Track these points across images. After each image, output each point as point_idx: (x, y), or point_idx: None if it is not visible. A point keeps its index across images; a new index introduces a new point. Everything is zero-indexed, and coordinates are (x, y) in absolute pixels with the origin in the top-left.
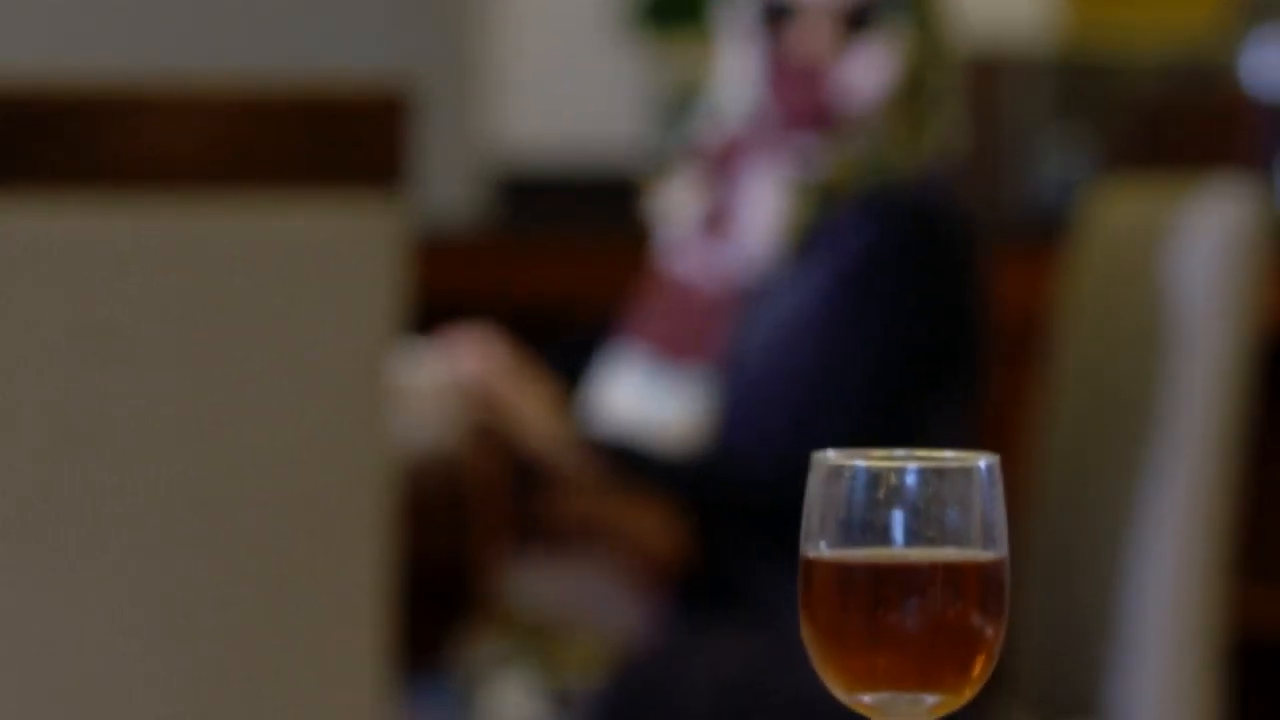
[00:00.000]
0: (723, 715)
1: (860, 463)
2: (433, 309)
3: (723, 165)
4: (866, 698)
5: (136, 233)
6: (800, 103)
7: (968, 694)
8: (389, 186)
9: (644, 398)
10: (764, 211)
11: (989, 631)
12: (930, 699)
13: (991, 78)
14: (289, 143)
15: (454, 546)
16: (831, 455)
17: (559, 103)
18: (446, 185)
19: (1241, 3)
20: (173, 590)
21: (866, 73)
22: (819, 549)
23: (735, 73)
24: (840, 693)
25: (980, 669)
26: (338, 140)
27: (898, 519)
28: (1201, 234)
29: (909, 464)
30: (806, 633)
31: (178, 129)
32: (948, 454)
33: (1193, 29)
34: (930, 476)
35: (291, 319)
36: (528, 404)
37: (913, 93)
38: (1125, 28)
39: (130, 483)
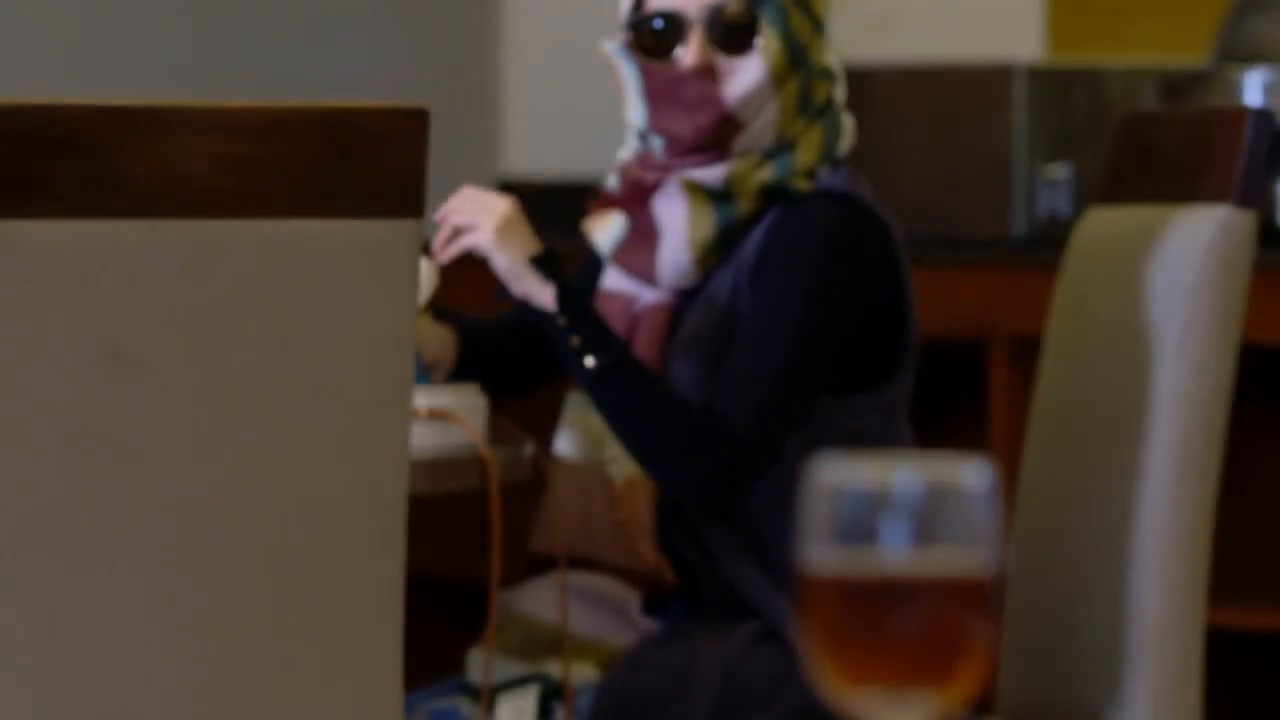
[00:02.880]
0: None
1: (858, 472)
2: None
3: (637, 184)
4: (861, 707)
5: (157, 250)
6: (685, 131)
7: (963, 705)
8: (407, 203)
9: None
10: (678, 221)
11: (985, 642)
12: (924, 711)
13: (987, 92)
14: (307, 161)
15: (470, 557)
16: (830, 464)
17: (566, 122)
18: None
19: (1235, 15)
20: (188, 601)
21: (743, 89)
22: (814, 560)
23: (630, 98)
24: (835, 702)
25: (975, 680)
26: (356, 158)
27: (894, 529)
28: (1189, 245)
29: (907, 473)
30: (803, 643)
31: (197, 148)
32: (945, 462)
33: (1186, 42)
34: (927, 485)
35: (309, 334)
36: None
37: (799, 102)
38: (1118, 41)
39: (146, 496)
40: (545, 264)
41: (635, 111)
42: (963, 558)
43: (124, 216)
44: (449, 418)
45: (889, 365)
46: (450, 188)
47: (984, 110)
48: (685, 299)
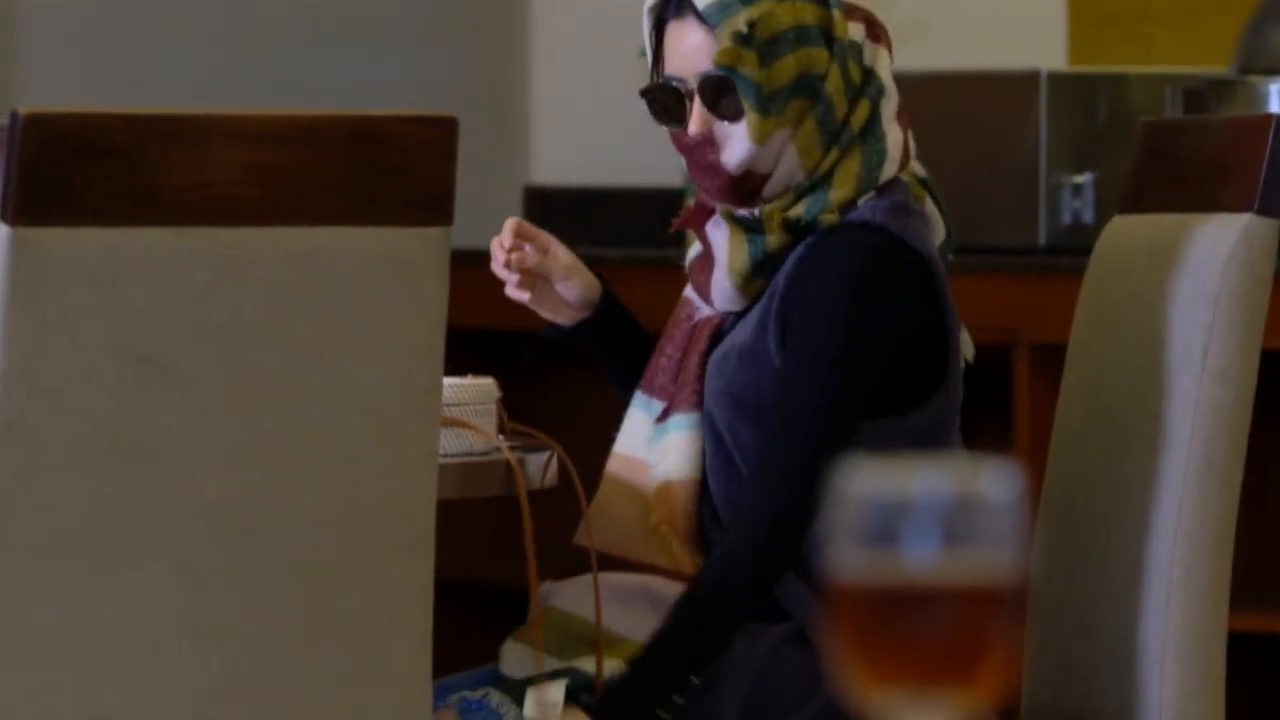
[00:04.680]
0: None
1: (886, 477)
2: (464, 333)
3: (700, 206)
4: (888, 711)
5: (187, 258)
6: (709, 190)
7: (990, 709)
8: (435, 212)
9: (641, 440)
10: (722, 249)
11: (1012, 647)
12: (950, 715)
13: (1011, 100)
14: (336, 169)
15: (498, 560)
16: (858, 470)
17: (593, 132)
18: (481, 208)
19: (1256, 26)
20: (217, 605)
21: (738, 156)
22: (842, 564)
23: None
24: (861, 705)
25: (1002, 684)
26: (385, 167)
27: (921, 534)
28: (1212, 253)
29: (933, 479)
30: (831, 649)
31: (227, 157)
32: (972, 468)
33: (1208, 52)
34: (954, 491)
35: (338, 341)
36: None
37: (822, 136)
38: (1140, 51)
39: (176, 501)
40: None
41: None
42: (989, 563)
43: (155, 224)
44: (463, 425)
45: (925, 390)
46: (478, 197)
47: (1008, 118)
48: (734, 318)
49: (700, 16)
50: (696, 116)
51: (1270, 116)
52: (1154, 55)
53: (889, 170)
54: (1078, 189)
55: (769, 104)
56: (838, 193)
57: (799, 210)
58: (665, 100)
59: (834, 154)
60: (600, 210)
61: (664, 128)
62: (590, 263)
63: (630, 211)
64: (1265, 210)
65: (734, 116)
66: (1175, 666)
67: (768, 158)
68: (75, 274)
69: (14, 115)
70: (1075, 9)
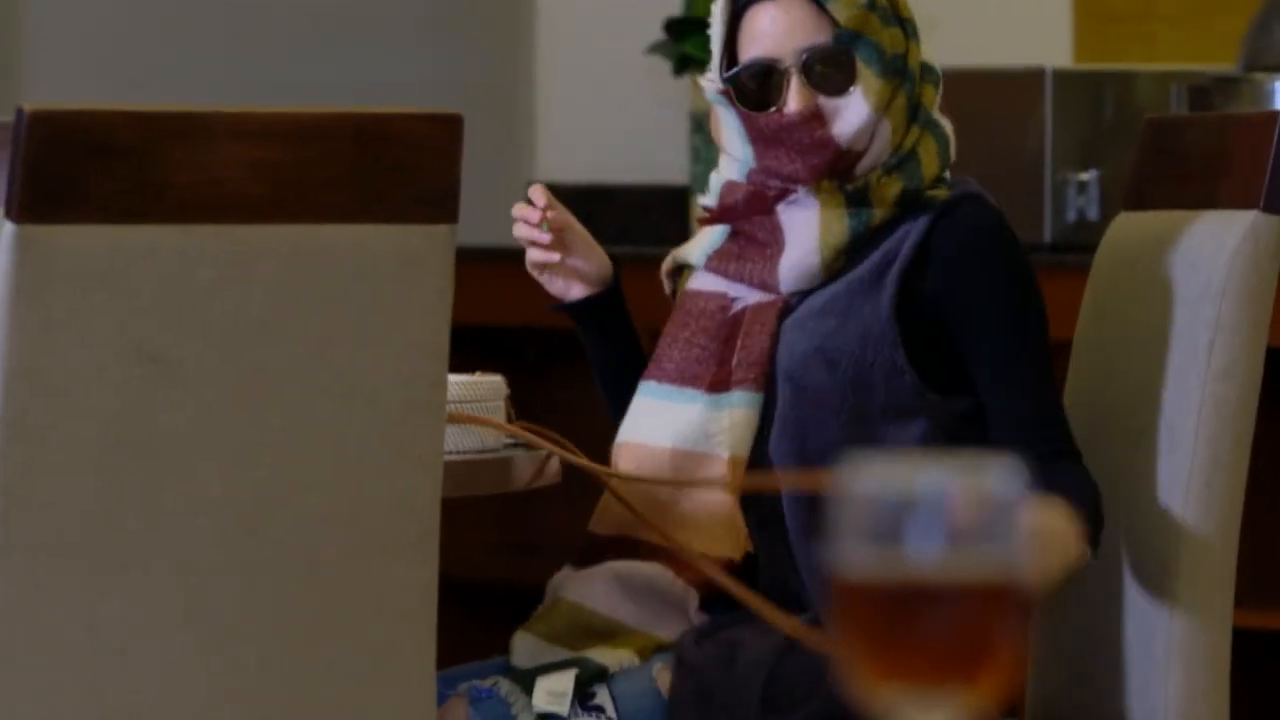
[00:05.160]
0: (769, 712)
1: (891, 475)
2: (469, 330)
3: (757, 194)
4: (893, 707)
5: (194, 255)
6: (800, 171)
7: (996, 707)
8: (441, 209)
9: (686, 432)
10: (808, 226)
11: (1017, 645)
12: (955, 712)
13: (1017, 97)
14: (342, 167)
15: (504, 557)
16: (864, 467)
17: (598, 129)
18: (486, 206)
19: (1262, 23)
20: (223, 602)
21: (854, 127)
22: (848, 561)
23: (732, 138)
24: (867, 702)
25: (1007, 682)
26: (391, 164)
27: (926, 531)
28: (1216, 250)
29: (940, 476)
30: (836, 647)
31: (234, 154)
32: (977, 465)
33: (1213, 49)
34: (963, 489)
35: (343, 339)
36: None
37: (909, 113)
38: (1146, 49)
39: (182, 499)
40: None
41: (737, 148)
42: (994, 561)
43: (161, 222)
44: (475, 421)
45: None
46: (484, 195)
47: (1014, 116)
48: (800, 298)
49: None
50: (797, 94)
51: (1275, 113)
52: (1159, 53)
53: (953, 153)
54: (1083, 186)
55: (889, 70)
56: (927, 169)
57: (901, 183)
58: (757, 83)
59: (915, 133)
60: (605, 207)
61: (665, 124)
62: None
63: (635, 209)
64: (1270, 207)
65: (840, 90)
66: (1181, 665)
67: (868, 133)
68: (81, 271)
69: (19, 112)
70: (1081, 6)
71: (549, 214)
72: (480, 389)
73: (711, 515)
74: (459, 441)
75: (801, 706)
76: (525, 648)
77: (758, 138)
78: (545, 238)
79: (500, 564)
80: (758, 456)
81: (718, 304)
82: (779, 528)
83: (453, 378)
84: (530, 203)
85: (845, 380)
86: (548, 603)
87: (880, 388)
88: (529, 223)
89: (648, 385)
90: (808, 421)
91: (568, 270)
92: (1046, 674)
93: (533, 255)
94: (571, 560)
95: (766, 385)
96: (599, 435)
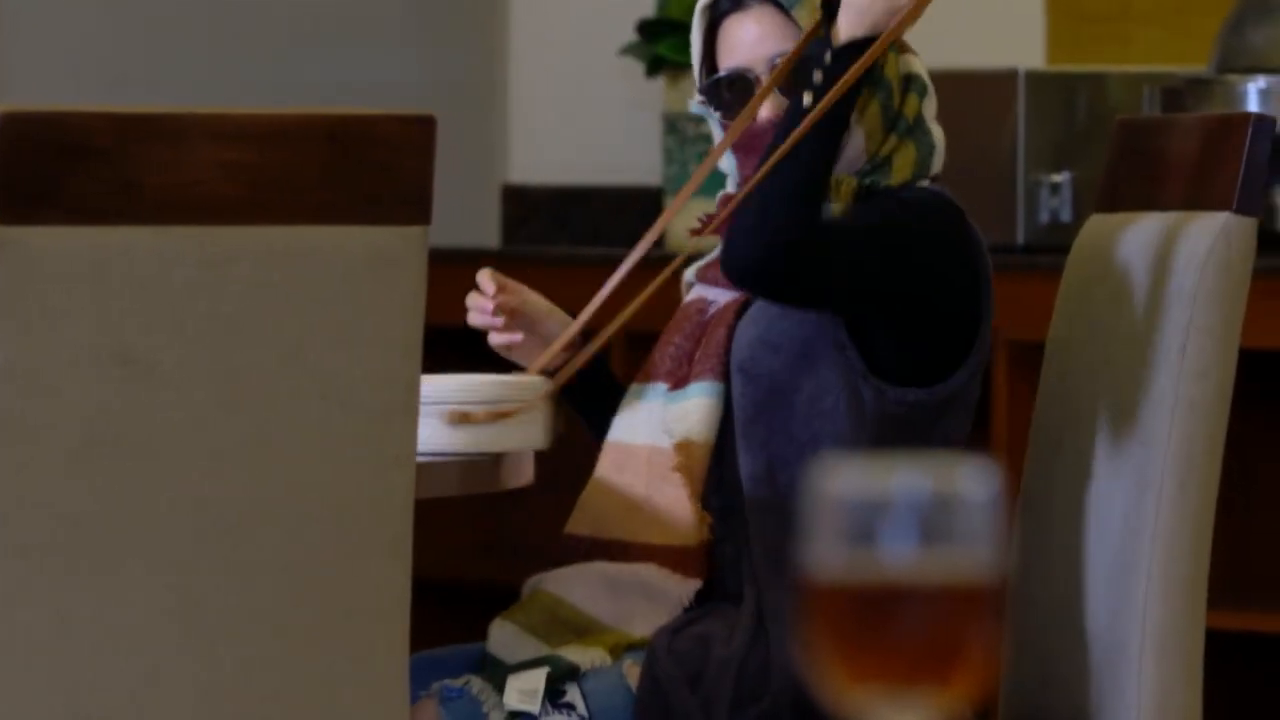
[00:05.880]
0: (738, 706)
1: (863, 475)
2: (443, 331)
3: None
4: (865, 708)
5: (168, 256)
6: None
7: (968, 708)
8: (414, 210)
9: (652, 426)
10: None
11: (990, 646)
12: (928, 713)
13: (989, 98)
14: (315, 168)
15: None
16: (835, 467)
17: (571, 130)
18: (459, 207)
19: (1235, 25)
20: (199, 602)
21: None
22: (819, 563)
23: (720, 141)
24: (839, 703)
25: (980, 683)
26: (364, 165)
27: (898, 532)
28: (1189, 252)
29: (911, 477)
30: (806, 646)
31: (207, 156)
32: (949, 466)
33: (1186, 51)
34: (932, 489)
35: (318, 340)
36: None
37: (884, 122)
38: (1119, 50)
39: (157, 500)
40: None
41: (725, 159)
42: (967, 562)
43: (137, 223)
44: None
45: (947, 363)
46: (456, 195)
47: (986, 117)
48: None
49: (775, 2)
50: (768, 101)
51: (1248, 115)
52: (1132, 54)
53: (937, 164)
54: (1056, 188)
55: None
56: (898, 174)
57: (865, 182)
58: (731, 92)
59: (893, 140)
60: (578, 209)
61: (638, 125)
62: (568, 262)
63: (608, 210)
64: (1243, 209)
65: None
66: (1154, 665)
67: None
68: (57, 273)
69: None
70: (1054, 7)
71: (499, 298)
72: (523, 389)
73: (671, 504)
74: (508, 439)
75: (767, 695)
76: (502, 636)
77: (736, 147)
78: (498, 322)
79: (476, 564)
80: (727, 446)
81: (696, 308)
82: (739, 515)
83: (494, 377)
84: (480, 290)
85: (790, 362)
86: (528, 593)
87: (823, 364)
88: (483, 311)
89: (630, 388)
90: (760, 407)
91: (530, 344)
92: (1019, 673)
93: (493, 339)
94: (547, 563)
95: (726, 377)
96: (585, 437)
